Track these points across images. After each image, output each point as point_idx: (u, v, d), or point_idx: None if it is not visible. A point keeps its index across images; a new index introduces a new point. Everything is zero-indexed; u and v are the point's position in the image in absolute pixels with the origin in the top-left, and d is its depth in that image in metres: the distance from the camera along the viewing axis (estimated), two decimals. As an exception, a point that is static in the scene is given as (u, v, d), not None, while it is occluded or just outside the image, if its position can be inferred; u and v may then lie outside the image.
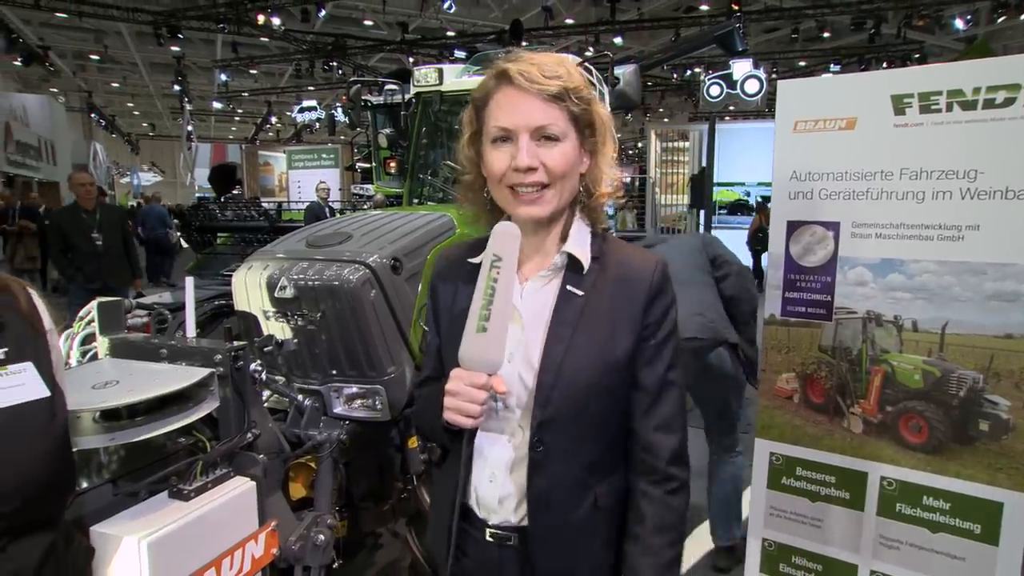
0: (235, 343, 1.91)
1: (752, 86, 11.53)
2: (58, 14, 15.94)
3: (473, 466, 1.10)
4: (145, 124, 38.34)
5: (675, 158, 13.81)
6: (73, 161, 19.54)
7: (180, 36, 15.93)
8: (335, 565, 2.21)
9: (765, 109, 13.09)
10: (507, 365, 1.04)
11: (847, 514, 2.07)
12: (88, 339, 2.14)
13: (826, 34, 17.08)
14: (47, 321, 1.02)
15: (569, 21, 17.76)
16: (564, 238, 1.10)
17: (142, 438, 1.65)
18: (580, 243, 1.09)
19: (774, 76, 17.17)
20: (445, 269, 1.20)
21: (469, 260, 1.02)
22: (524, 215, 1.04)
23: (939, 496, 1.93)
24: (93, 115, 27.79)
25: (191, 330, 2.01)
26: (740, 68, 11.54)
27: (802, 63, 20.46)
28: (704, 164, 11.59)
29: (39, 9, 14.64)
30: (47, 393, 0.92)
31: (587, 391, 1.03)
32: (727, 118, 15.27)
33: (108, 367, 1.88)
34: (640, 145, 23.35)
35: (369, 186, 11.28)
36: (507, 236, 1.00)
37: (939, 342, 1.91)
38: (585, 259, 1.08)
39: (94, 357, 2.08)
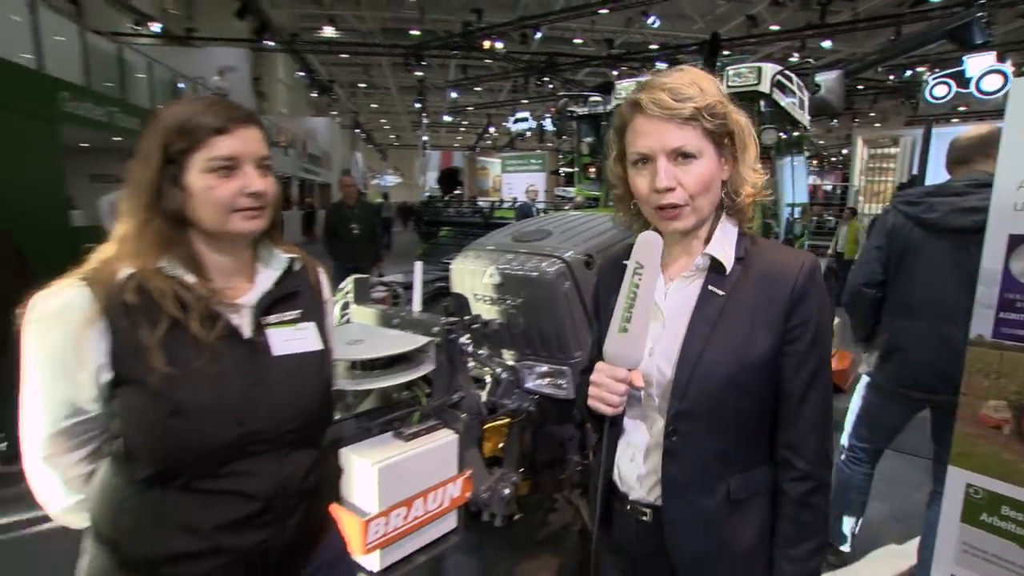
0: (450, 319, 2.12)
1: (993, 82, 9.57)
2: (342, 55, 19.94)
3: (619, 445, 1.14)
4: (392, 136, 43.19)
5: (883, 165, 12.01)
6: (341, 167, 22.86)
7: (423, 63, 17.65)
8: (515, 517, 2.35)
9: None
10: (648, 358, 1.05)
11: (1065, 565, 1.70)
12: (344, 306, 2.52)
13: (1097, 20, 13.55)
14: (327, 292, 1.20)
15: (775, 28, 16.31)
16: (709, 241, 1.08)
17: (378, 386, 1.93)
18: (724, 245, 1.06)
19: None
20: (606, 271, 1.24)
21: (624, 262, 1.03)
22: (668, 229, 1.04)
23: None
24: (357, 131, 32.09)
25: (417, 305, 2.27)
26: (976, 64, 9.66)
27: (1060, 55, 16.49)
28: (915, 171, 9.91)
29: (331, 53, 18.85)
30: (321, 347, 1.10)
31: (722, 387, 1.00)
32: (955, 120, 12.88)
33: (357, 330, 2.21)
34: (845, 152, 20.76)
35: (571, 189, 11.50)
36: (649, 245, 1.00)
37: None
38: (727, 260, 1.05)
39: (347, 321, 2.44)
